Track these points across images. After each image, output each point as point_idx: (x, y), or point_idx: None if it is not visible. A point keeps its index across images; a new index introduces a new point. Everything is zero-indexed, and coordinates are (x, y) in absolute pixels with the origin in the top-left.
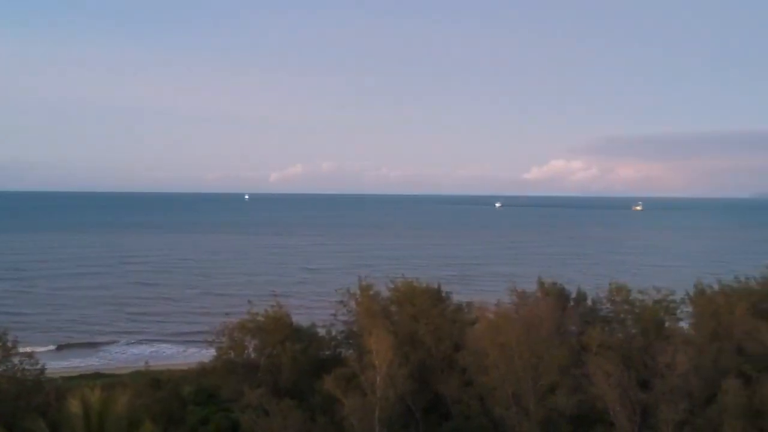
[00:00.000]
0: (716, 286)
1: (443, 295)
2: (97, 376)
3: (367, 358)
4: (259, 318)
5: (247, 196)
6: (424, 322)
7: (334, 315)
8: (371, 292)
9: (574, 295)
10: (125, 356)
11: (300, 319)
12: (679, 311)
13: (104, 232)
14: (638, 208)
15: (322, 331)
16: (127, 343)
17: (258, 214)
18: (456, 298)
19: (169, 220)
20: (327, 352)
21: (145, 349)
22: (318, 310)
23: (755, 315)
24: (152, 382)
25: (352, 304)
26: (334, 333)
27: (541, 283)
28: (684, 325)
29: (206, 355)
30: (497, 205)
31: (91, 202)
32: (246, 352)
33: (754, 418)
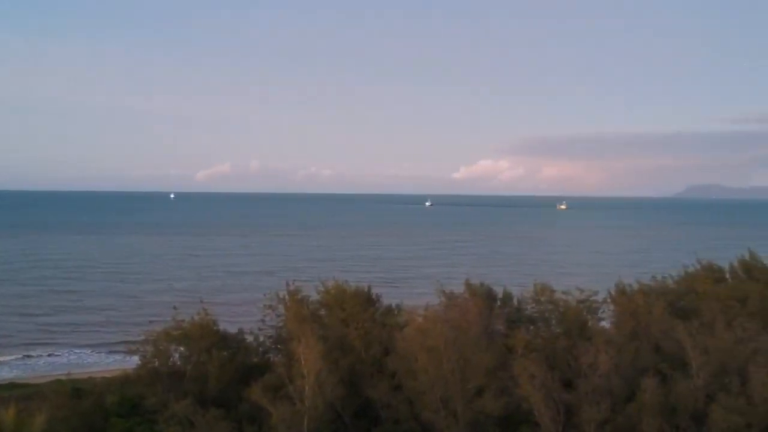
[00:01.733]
0: (636, 286)
1: (373, 297)
2: (12, 386)
3: (296, 366)
4: (185, 325)
5: (172, 195)
6: (354, 327)
7: (263, 320)
8: (300, 296)
9: (500, 295)
10: (42, 365)
11: (227, 325)
12: (601, 311)
13: (11, 235)
14: (563, 207)
15: (250, 338)
16: (44, 354)
17: (182, 214)
18: (386, 299)
19: (86, 220)
20: (255, 359)
21: (64, 357)
22: (246, 316)
23: (672, 314)
24: (73, 392)
25: (281, 308)
26: (262, 339)
27: (468, 285)
28: (606, 324)
29: (129, 363)
30: (427, 204)
31: (3, 201)
32: (171, 360)
33: (669, 415)
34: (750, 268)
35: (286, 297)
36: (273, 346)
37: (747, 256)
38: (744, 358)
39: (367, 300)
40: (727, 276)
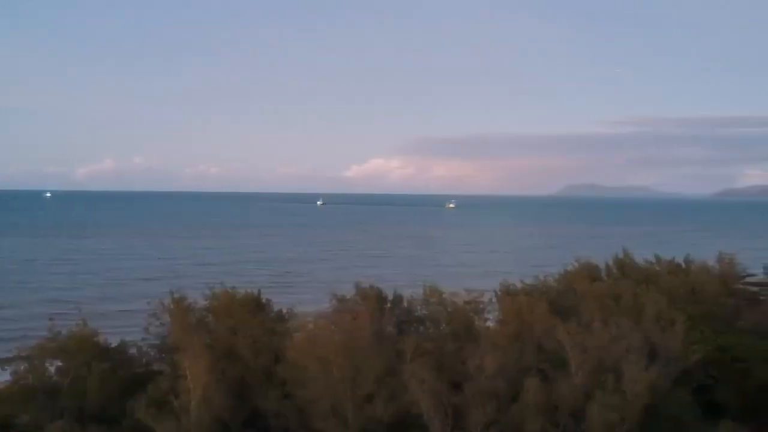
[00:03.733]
0: (519, 285)
1: (263, 302)
2: None
3: (181, 380)
4: (62, 337)
5: (48, 194)
6: (243, 335)
7: (146, 328)
8: (185, 304)
9: (391, 297)
10: None
11: (108, 336)
12: (487, 312)
13: None
14: (451, 206)
15: (133, 349)
16: None
17: (58, 214)
18: (277, 304)
19: None
20: (139, 370)
21: None
22: (129, 326)
23: (553, 313)
24: None
25: (166, 317)
26: (146, 349)
27: (359, 288)
28: (493, 324)
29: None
30: (319, 203)
31: None
32: (47, 375)
33: (551, 414)
34: (624, 267)
35: (171, 305)
36: (158, 356)
37: (621, 255)
38: (618, 355)
39: (256, 306)
40: (603, 274)
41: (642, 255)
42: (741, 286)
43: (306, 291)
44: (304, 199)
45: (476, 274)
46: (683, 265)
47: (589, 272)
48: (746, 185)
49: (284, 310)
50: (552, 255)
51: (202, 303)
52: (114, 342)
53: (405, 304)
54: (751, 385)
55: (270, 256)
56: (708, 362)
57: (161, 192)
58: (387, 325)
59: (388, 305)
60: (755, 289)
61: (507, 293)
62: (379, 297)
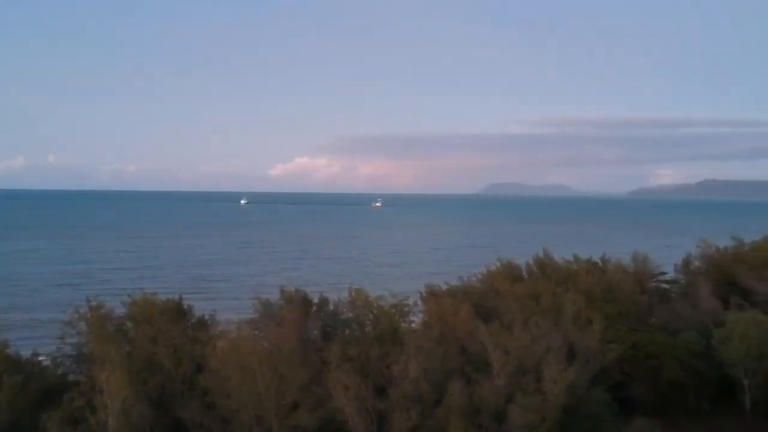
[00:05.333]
0: (444, 287)
1: (185, 308)
2: None
3: (98, 396)
4: None
5: None
6: (164, 344)
7: (61, 338)
8: (103, 312)
9: (316, 300)
10: None
11: (20, 347)
12: (412, 314)
13: None
14: (378, 204)
15: (47, 360)
16: None
17: None
18: (198, 309)
19: None
20: (54, 382)
21: None
22: (41, 336)
23: (476, 314)
24: None
25: (83, 325)
26: (60, 360)
27: (284, 292)
28: (417, 325)
29: None
30: (243, 202)
31: None
32: None
33: (473, 416)
34: (544, 266)
35: (88, 313)
36: (74, 367)
37: (542, 255)
38: (538, 356)
39: (178, 312)
40: (524, 274)
41: (562, 254)
42: (654, 284)
43: (229, 296)
44: (228, 198)
45: (402, 276)
46: (600, 264)
47: (511, 272)
48: (658, 184)
49: (206, 317)
50: (476, 254)
51: (120, 310)
52: (26, 353)
53: (331, 307)
54: (662, 381)
55: (190, 259)
56: (623, 360)
57: (76, 191)
58: (313, 329)
59: (314, 309)
60: (667, 286)
61: (432, 295)
62: (305, 301)
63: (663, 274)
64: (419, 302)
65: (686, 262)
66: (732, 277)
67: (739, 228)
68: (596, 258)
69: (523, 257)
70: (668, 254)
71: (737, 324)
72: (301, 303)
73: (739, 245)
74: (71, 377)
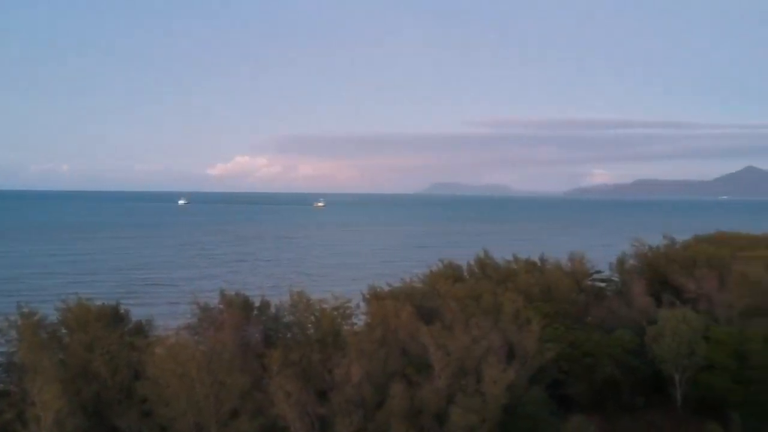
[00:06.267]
0: (387, 288)
1: (122, 314)
2: None
3: (31, 408)
4: None
5: None
6: (99, 351)
7: None
8: (35, 318)
9: (257, 303)
10: None
11: None
12: (354, 316)
13: None
14: (320, 204)
15: None
16: None
17: None
18: (135, 315)
19: None
20: None
21: None
22: None
23: (418, 316)
24: None
25: (13, 333)
26: None
27: (223, 295)
28: (359, 328)
29: None
30: (181, 202)
31: None
32: None
33: (415, 418)
34: (485, 266)
35: (19, 320)
36: (5, 377)
37: (482, 255)
38: (479, 357)
39: (114, 318)
40: (465, 274)
41: (502, 254)
42: (590, 283)
43: (167, 300)
44: (165, 198)
45: (345, 278)
46: (539, 264)
47: (452, 273)
48: (594, 184)
49: (144, 322)
50: (419, 254)
51: (54, 317)
52: None
53: (272, 310)
54: (598, 378)
55: (126, 262)
56: (560, 358)
57: (2, 191)
58: (254, 334)
59: (255, 313)
60: (602, 285)
61: (374, 296)
62: (245, 304)
63: (599, 272)
64: (362, 304)
65: (621, 261)
66: (664, 275)
67: (671, 226)
68: (535, 258)
69: (464, 257)
70: (604, 253)
71: (668, 321)
72: (241, 307)
73: (671, 244)
74: (0, 388)
